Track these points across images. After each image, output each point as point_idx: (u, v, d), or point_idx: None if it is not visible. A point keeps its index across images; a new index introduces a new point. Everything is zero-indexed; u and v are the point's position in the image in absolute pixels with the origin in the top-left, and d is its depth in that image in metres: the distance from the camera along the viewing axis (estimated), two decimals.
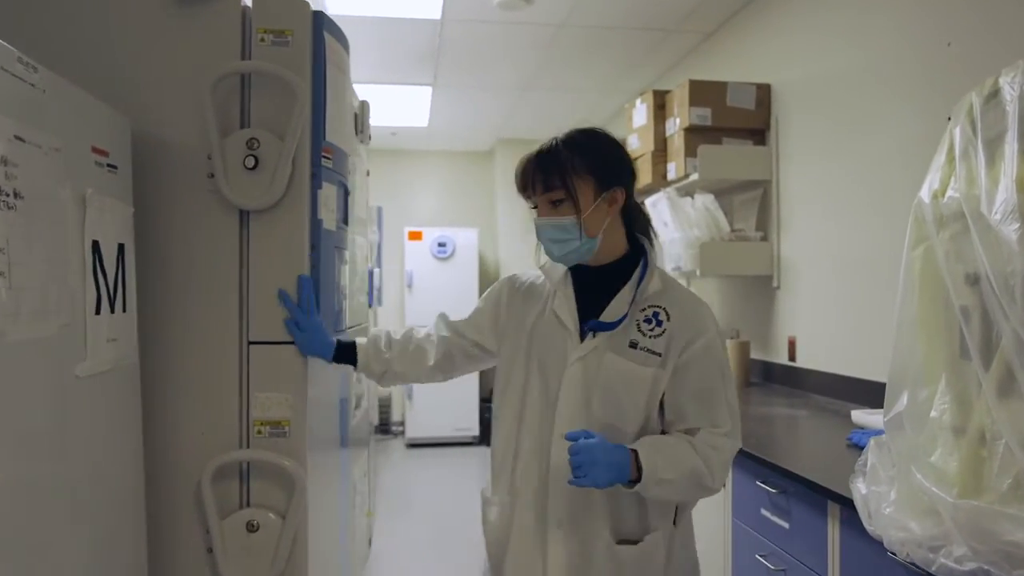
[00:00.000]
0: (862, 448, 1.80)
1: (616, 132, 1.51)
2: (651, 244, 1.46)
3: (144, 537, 1.48)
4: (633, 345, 1.37)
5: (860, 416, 2.30)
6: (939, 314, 1.38)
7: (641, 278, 1.40)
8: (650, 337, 1.37)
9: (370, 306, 4.22)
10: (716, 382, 1.37)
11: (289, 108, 1.55)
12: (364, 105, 2.36)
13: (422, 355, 1.58)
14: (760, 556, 2.02)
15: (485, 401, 6.83)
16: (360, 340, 1.61)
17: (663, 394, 1.37)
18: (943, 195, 1.39)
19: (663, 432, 1.39)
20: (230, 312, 1.58)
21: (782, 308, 3.40)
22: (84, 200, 1.24)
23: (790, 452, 2.15)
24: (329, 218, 1.69)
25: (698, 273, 3.43)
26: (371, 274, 4.51)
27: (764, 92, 3.51)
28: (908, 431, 1.34)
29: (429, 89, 5.39)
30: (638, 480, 1.27)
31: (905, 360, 1.41)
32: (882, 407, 1.46)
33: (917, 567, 1.36)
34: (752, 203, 3.64)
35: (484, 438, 6.53)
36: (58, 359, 1.16)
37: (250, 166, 1.53)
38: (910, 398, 1.37)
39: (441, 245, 6.76)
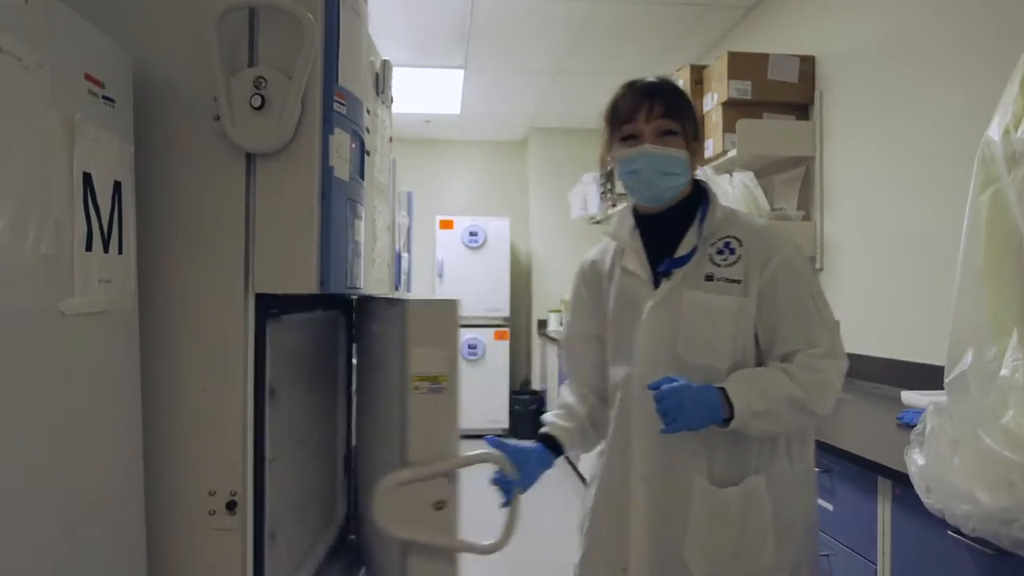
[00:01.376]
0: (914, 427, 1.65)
1: None
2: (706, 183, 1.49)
3: (141, 491, 1.39)
4: (710, 278, 1.35)
5: (912, 397, 2.13)
6: (1010, 263, 1.23)
7: (705, 213, 1.40)
8: (725, 266, 1.35)
9: (396, 288, 4.16)
10: (804, 298, 1.33)
11: (299, 46, 1.46)
12: (386, 64, 2.27)
13: (578, 409, 1.56)
14: None
15: (515, 394, 6.72)
16: (551, 431, 1.54)
17: (755, 324, 1.34)
18: (1016, 129, 1.24)
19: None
20: (235, 261, 1.49)
21: (826, 291, 3.21)
22: (73, 126, 1.16)
23: (835, 431, 2.00)
24: (341, 167, 1.60)
25: None
26: (399, 257, 4.45)
27: (808, 64, 3.35)
28: (974, 392, 1.20)
29: (461, 72, 5.32)
30: (732, 418, 1.24)
31: (969, 315, 1.26)
32: (936, 389, 1.32)
33: (984, 545, 1.22)
34: (794, 182, 3.47)
35: (514, 430, 6.41)
36: (38, 292, 1.09)
37: (256, 105, 1.44)
38: (975, 356, 1.22)
39: (472, 234, 6.67)
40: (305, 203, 1.51)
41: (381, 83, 2.23)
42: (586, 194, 5.78)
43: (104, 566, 1.28)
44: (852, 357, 2.98)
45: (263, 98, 1.44)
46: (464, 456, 1.51)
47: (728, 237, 1.38)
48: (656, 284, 1.39)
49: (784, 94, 3.35)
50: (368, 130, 2.03)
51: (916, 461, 1.33)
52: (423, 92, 5.80)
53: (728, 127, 3.39)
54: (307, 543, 2.12)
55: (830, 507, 1.76)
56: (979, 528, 1.13)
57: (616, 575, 1.40)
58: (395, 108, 6.60)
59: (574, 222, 6.34)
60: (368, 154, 2.03)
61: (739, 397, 1.25)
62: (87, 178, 1.21)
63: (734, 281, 1.34)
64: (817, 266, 3.24)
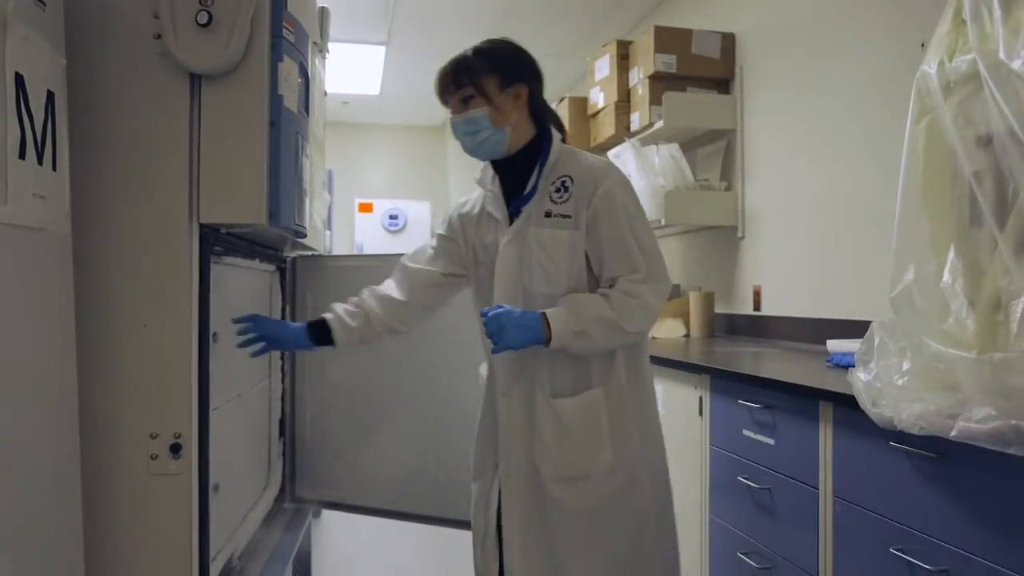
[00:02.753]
0: (845, 367, 1.74)
1: (581, 92, 1.63)
2: (561, 130, 1.63)
3: (75, 430, 1.29)
4: (548, 214, 1.51)
5: (837, 344, 2.25)
6: (946, 185, 1.31)
7: (546, 154, 1.55)
8: (561, 203, 1.51)
9: None
10: (623, 228, 1.47)
11: None
12: (324, 12, 2.20)
13: (389, 299, 1.70)
14: (743, 478, 1.94)
15: None
16: (327, 316, 1.67)
17: (586, 254, 1.49)
18: (950, 60, 1.32)
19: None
20: (179, 188, 1.41)
21: (747, 258, 3.36)
22: (4, 19, 1.06)
23: (771, 372, 2.08)
24: (290, 97, 1.54)
25: (663, 222, 3.36)
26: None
27: (729, 41, 3.47)
28: (917, 302, 1.27)
29: (383, 49, 5.22)
30: (552, 339, 1.42)
31: (911, 235, 1.34)
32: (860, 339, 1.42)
33: (926, 448, 1.29)
34: (716, 155, 3.59)
35: None
36: None
37: (203, 22, 1.36)
38: (918, 270, 1.30)
39: (392, 218, 6.58)
40: (254, 129, 1.44)
41: (321, 31, 2.16)
42: None
43: (35, 511, 1.18)
44: (773, 320, 3.16)
45: (210, 15, 1.37)
46: None
47: (564, 176, 1.53)
48: (511, 223, 1.55)
49: (707, 69, 3.46)
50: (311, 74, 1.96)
51: (861, 378, 1.39)
52: (342, 70, 5.64)
53: (655, 100, 3.47)
54: (246, 503, 2.03)
55: (771, 441, 1.84)
56: (928, 426, 1.20)
57: (494, 474, 1.60)
58: None
59: None
60: (310, 83, 1.96)
61: (557, 319, 1.42)
62: (19, 80, 1.11)
63: (566, 216, 1.49)
64: (739, 235, 3.37)
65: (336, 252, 5.80)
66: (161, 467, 1.39)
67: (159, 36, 1.38)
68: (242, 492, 2.00)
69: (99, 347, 1.36)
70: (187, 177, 1.41)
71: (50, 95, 1.21)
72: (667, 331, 3.45)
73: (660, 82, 3.47)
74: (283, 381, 2.36)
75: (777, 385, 1.79)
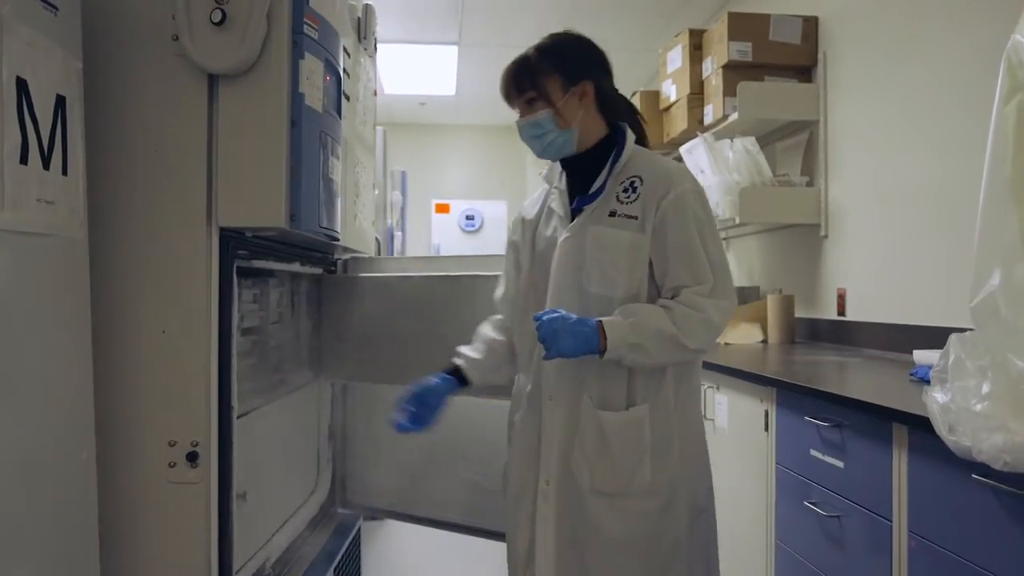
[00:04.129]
0: (928, 383, 1.54)
1: (655, 86, 1.47)
2: (637, 125, 1.55)
3: (91, 439, 1.28)
4: (613, 214, 1.44)
5: (924, 355, 2.01)
6: None
7: (619, 154, 1.47)
8: (627, 203, 1.44)
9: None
10: (691, 235, 1.40)
11: None
12: (368, 9, 2.16)
13: (498, 346, 1.63)
14: (810, 503, 1.76)
15: None
16: (459, 362, 1.63)
17: (650, 259, 1.42)
18: None
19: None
20: (197, 191, 1.38)
21: (830, 259, 3.11)
22: (0, 22, 1.04)
23: (845, 386, 1.89)
24: (313, 95, 1.49)
25: (737, 221, 3.16)
26: (391, 234, 4.34)
27: (811, 25, 3.23)
28: (1004, 313, 1.08)
29: (455, 49, 5.20)
30: (607, 349, 1.35)
31: (997, 232, 1.14)
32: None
33: (1016, 484, 1.10)
34: (797, 148, 3.35)
35: None
36: None
37: (216, 20, 1.33)
38: (1004, 275, 1.11)
39: (469, 218, 6.57)
40: (273, 129, 1.40)
41: (363, 28, 2.12)
42: None
43: (51, 518, 1.17)
44: (858, 326, 2.91)
45: (224, 12, 1.33)
46: None
47: (634, 176, 1.45)
48: (572, 220, 1.49)
49: (787, 56, 3.23)
50: (347, 73, 1.92)
51: (936, 399, 1.21)
52: (417, 71, 5.68)
53: (729, 91, 3.27)
54: (286, 509, 2.01)
55: (840, 464, 1.65)
56: (1013, 461, 1.01)
57: (534, 485, 1.50)
58: (390, 90, 6.47)
59: None
60: (347, 98, 1.92)
61: (613, 330, 1.35)
62: (22, 84, 1.09)
63: (632, 217, 1.42)
64: (822, 233, 3.12)
65: (411, 254, 5.84)
66: (179, 475, 1.37)
67: (177, 37, 1.35)
68: (281, 498, 1.98)
69: (117, 353, 1.35)
70: (204, 180, 1.38)
71: (60, 99, 1.19)
72: (743, 336, 3.25)
73: (735, 72, 3.26)
74: (332, 385, 2.34)
75: (845, 402, 1.61)
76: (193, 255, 1.37)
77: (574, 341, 1.34)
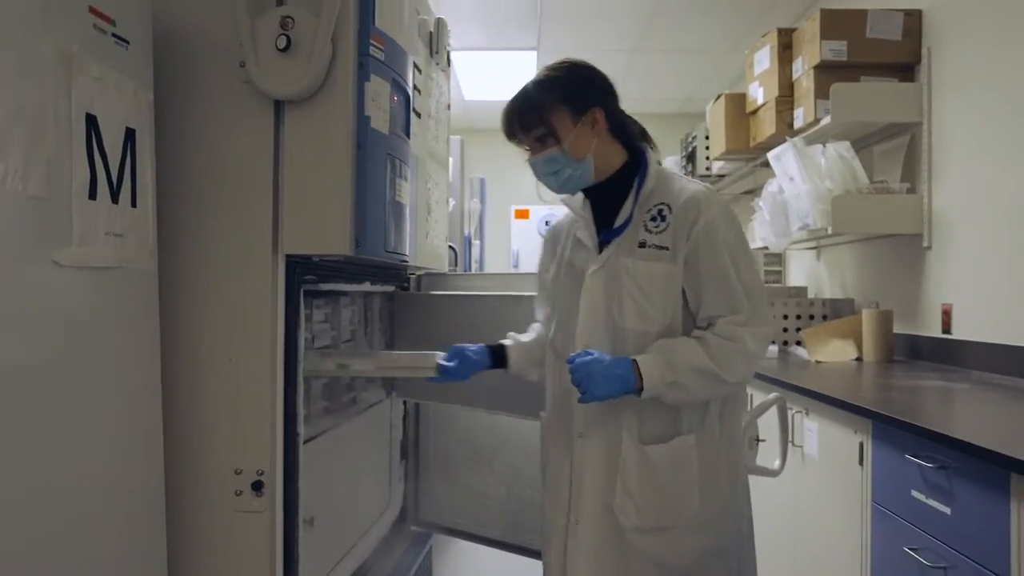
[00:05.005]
0: None
1: (743, 88, 1.39)
2: (653, 148, 1.50)
3: (160, 468, 1.29)
4: (642, 244, 1.39)
5: None
6: None
7: (641, 182, 1.42)
8: (656, 233, 1.39)
9: (467, 272, 4.04)
10: (724, 263, 1.35)
11: None
12: (441, 23, 2.13)
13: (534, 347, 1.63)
14: (911, 549, 1.60)
15: None
16: (506, 342, 1.63)
17: (683, 289, 1.38)
18: None
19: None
20: (262, 219, 1.37)
21: (935, 271, 2.88)
22: (70, 58, 1.05)
23: (951, 422, 1.72)
24: (379, 117, 1.46)
25: (829, 231, 2.97)
26: (468, 243, 4.33)
27: (914, 19, 3.00)
28: None
29: (534, 54, 5.15)
30: (644, 389, 1.31)
31: None
32: None
33: None
34: (896, 152, 3.12)
35: None
36: (25, 238, 0.98)
37: (282, 47, 1.32)
38: None
39: (548, 224, 6.49)
40: (338, 154, 1.38)
41: (435, 43, 2.09)
42: None
43: (120, 547, 1.18)
44: (966, 345, 2.67)
45: (289, 39, 1.32)
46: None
47: (661, 204, 1.40)
48: (600, 252, 1.44)
49: (886, 54, 3.01)
50: (419, 89, 1.89)
51: None
52: (497, 77, 5.67)
53: (821, 93, 3.07)
54: (356, 530, 2.00)
55: (947, 510, 1.49)
56: None
57: (570, 528, 1.44)
58: (469, 96, 6.49)
59: None
60: (418, 115, 1.89)
61: (649, 369, 1.31)
62: (91, 120, 1.10)
63: (663, 248, 1.37)
64: (924, 244, 2.89)
65: (489, 259, 5.83)
66: (245, 504, 1.37)
67: (243, 64, 1.35)
68: (352, 518, 1.97)
69: (185, 381, 1.36)
70: (271, 207, 1.37)
71: (130, 132, 1.20)
72: (835, 354, 3.05)
73: (828, 72, 3.07)
74: (405, 403, 2.33)
75: (953, 443, 1.45)
76: (259, 282, 1.37)
77: (609, 384, 1.31)
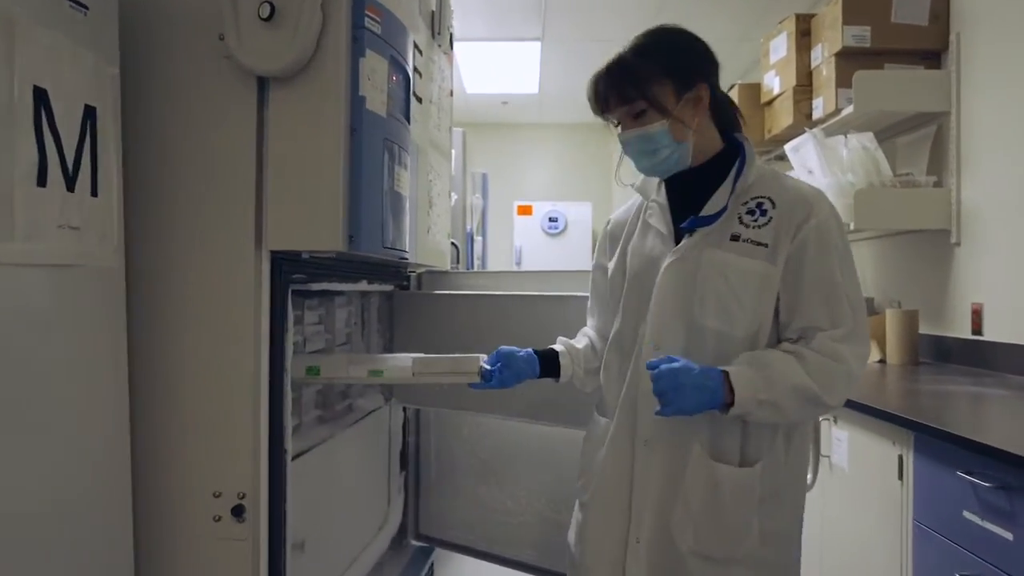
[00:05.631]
0: None
1: (756, 77, 1.24)
2: (746, 137, 1.34)
3: (127, 491, 1.14)
4: (735, 238, 1.24)
5: None
6: None
7: (740, 170, 1.27)
8: (754, 228, 1.24)
9: (468, 269, 3.89)
10: (832, 270, 1.21)
11: None
12: (443, 1, 1.97)
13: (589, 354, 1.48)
14: None
15: None
16: (558, 348, 1.46)
17: (778, 294, 1.23)
18: None
19: (781, 341, 1.25)
20: (244, 211, 1.22)
21: (963, 269, 2.73)
22: (11, 25, 0.90)
23: (1008, 433, 1.57)
24: (376, 98, 1.31)
25: (852, 226, 2.81)
26: (471, 239, 4.18)
27: (941, 3, 2.84)
28: None
29: (538, 45, 4.99)
30: (733, 403, 1.16)
31: None
32: None
33: None
34: (922, 143, 2.97)
35: None
36: None
37: (265, 15, 1.17)
38: None
39: (552, 220, 6.35)
40: (329, 138, 1.23)
41: (437, 23, 1.93)
42: None
43: (81, 572, 1.04)
44: (997, 348, 2.52)
45: (273, 7, 1.17)
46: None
47: (761, 197, 1.26)
48: (678, 241, 1.30)
49: (911, 39, 2.86)
50: (419, 72, 1.74)
51: None
52: (499, 69, 5.51)
53: (842, 81, 2.92)
54: (350, 550, 1.85)
55: (1008, 536, 1.35)
56: None
57: (623, 544, 1.30)
58: (471, 89, 6.34)
59: None
60: (419, 100, 1.74)
61: (742, 383, 1.16)
62: (40, 95, 0.95)
63: (761, 244, 1.23)
64: (953, 240, 2.74)
65: (492, 257, 5.68)
66: (225, 531, 1.22)
67: (223, 37, 1.20)
68: (347, 537, 1.82)
69: (156, 394, 1.21)
70: (253, 198, 1.22)
71: (90, 110, 1.05)
72: None
73: (849, 60, 2.91)
74: (405, 409, 2.18)
75: (1014, 460, 1.30)
76: (240, 282, 1.22)
77: (699, 397, 1.16)
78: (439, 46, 1.95)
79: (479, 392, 1.49)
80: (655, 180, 1.38)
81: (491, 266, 5.57)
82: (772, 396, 1.16)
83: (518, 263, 6.31)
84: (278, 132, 1.22)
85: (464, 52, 5.09)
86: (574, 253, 6.23)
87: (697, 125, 1.27)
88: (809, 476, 1.65)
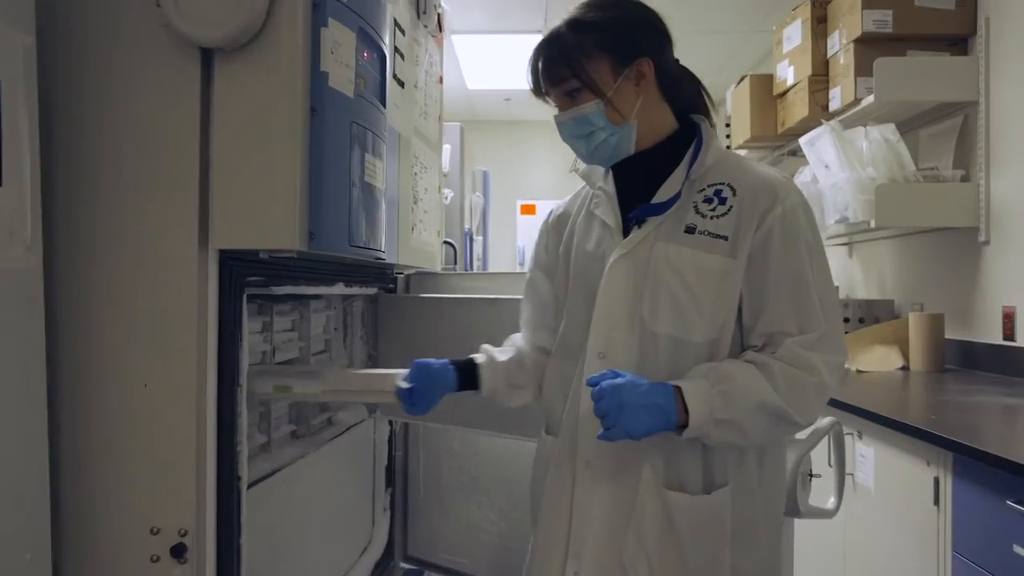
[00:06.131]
0: None
1: (768, 68, 1.11)
2: (710, 114, 1.22)
3: (45, 529, 0.98)
4: (691, 230, 1.10)
5: None
6: None
7: (696, 154, 1.14)
8: (712, 218, 1.10)
9: (465, 271, 3.72)
10: (801, 266, 1.07)
11: None
12: None
13: (531, 363, 1.31)
14: None
15: None
16: (478, 359, 1.30)
17: (740, 293, 1.08)
18: None
19: (745, 349, 1.10)
20: (186, 205, 1.06)
21: (993, 270, 2.55)
22: None
23: None
24: (341, 74, 1.14)
25: (872, 224, 2.64)
26: (469, 239, 4.02)
27: None
28: None
29: (539, 38, 4.83)
30: (687, 425, 1.03)
31: None
32: None
33: None
34: (947, 135, 2.79)
35: None
36: None
37: None
38: None
39: None
40: (284, 119, 1.06)
41: (422, 3, 1.77)
42: None
43: None
44: None
45: None
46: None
47: (720, 184, 1.12)
48: (626, 234, 1.15)
49: (937, 24, 2.68)
50: (401, 53, 1.57)
51: None
52: (501, 64, 5.35)
53: (862, 70, 2.75)
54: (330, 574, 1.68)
55: None
56: None
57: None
58: (473, 85, 6.18)
59: None
60: (401, 84, 1.58)
61: (698, 400, 1.02)
62: None
63: (720, 237, 1.09)
64: (982, 239, 2.56)
65: (494, 257, 5.52)
66: (164, 573, 1.05)
67: (159, 3, 1.03)
68: (325, 563, 1.66)
69: (83, 416, 1.05)
70: (196, 190, 1.05)
71: None
72: (878, 363, 2.72)
73: (869, 47, 2.74)
74: (391, 422, 2.01)
75: None
76: (182, 286, 1.05)
77: (648, 418, 1.01)
78: (425, 26, 1.79)
79: (467, 406, 1.33)
80: (600, 168, 1.24)
81: (493, 266, 5.41)
82: (733, 414, 1.02)
83: (521, 263, 6.14)
84: (226, 113, 1.06)
85: (464, 46, 4.93)
86: None
87: (643, 105, 1.13)
88: (832, 501, 1.48)
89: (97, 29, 1.06)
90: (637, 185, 1.16)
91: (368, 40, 1.25)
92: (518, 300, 1.72)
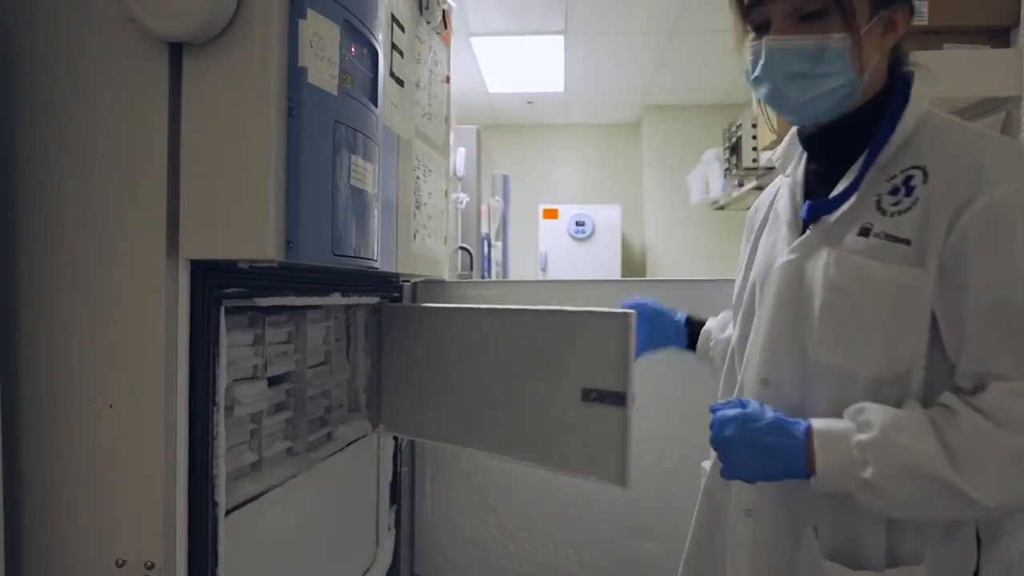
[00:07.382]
0: None
1: None
2: (911, 71, 1.01)
3: None
4: (865, 232, 0.87)
5: None
6: None
7: (889, 127, 0.90)
8: (894, 215, 0.86)
9: (482, 277, 3.64)
10: (1015, 281, 0.79)
11: None
12: None
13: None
14: None
15: None
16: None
17: (934, 315, 0.82)
18: None
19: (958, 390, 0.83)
20: (152, 211, 0.98)
21: None
22: None
23: None
24: (323, 70, 1.06)
25: None
26: (486, 243, 3.93)
27: None
28: None
29: (561, 39, 4.74)
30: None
31: None
32: None
33: None
34: (990, 131, 2.63)
35: None
36: None
37: None
38: None
39: (579, 224, 6.07)
40: (258, 117, 0.98)
41: None
42: (708, 174, 5.04)
43: None
44: None
45: None
46: None
47: (915, 168, 0.87)
48: (803, 232, 0.97)
49: (975, 15, 2.55)
50: (399, 51, 1.50)
51: None
52: (523, 66, 5.28)
53: None
54: None
55: None
56: None
57: None
58: (495, 88, 6.11)
59: (694, 208, 5.60)
60: (399, 83, 1.50)
61: (829, 449, 0.82)
62: None
63: (899, 240, 0.86)
64: None
65: (515, 263, 5.43)
66: None
67: None
68: None
69: (47, 438, 0.98)
70: (164, 197, 0.98)
71: None
72: None
73: (904, 40, 2.59)
74: (396, 437, 1.93)
75: None
76: (148, 299, 0.98)
77: (759, 459, 0.84)
78: (428, 23, 1.70)
79: (482, 423, 1.24)
80: (797, 148, 1.04)
81: (514, 272, 5.32)
82: (874, 475, 0.79)
83: (543, 269, 6.04)
84: (195, 112, 0.98)
85: (484, 48, 4.86)
86: (602, 259, 5.94)
87: (878, 62, 0.95)
88: None
89: (58, 25, 0.99)
90: (831, 168, 0.95)
91: (356, 34, 1.17)
92: (526, 311, 1.63)
